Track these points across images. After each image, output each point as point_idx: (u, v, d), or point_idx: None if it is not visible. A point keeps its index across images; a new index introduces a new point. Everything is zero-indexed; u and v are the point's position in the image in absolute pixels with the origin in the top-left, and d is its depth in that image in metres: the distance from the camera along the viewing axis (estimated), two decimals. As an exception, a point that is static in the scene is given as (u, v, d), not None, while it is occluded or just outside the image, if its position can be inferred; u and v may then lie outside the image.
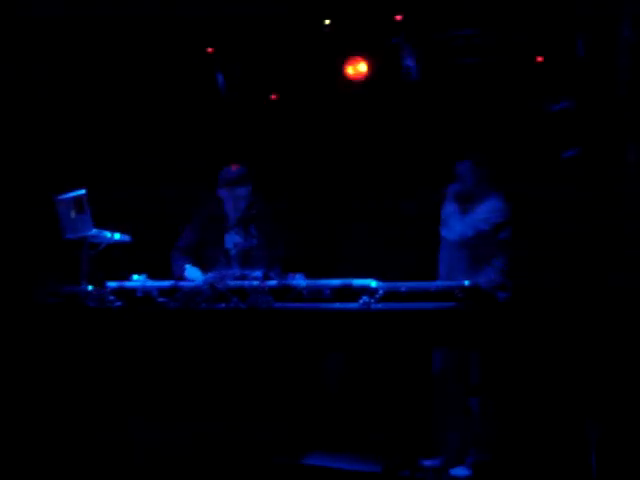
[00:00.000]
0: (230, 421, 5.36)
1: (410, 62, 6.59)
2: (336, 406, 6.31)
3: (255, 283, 5.23)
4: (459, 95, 6.74)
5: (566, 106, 6.35)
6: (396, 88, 6.87)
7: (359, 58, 6.86)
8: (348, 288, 5.04)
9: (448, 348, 5.75)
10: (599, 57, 6.06)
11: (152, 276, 5.53)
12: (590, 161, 6.17)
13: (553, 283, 6.10)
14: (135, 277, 5.52)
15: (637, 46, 5.83)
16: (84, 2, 6.67)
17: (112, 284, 5.45)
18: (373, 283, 5.01)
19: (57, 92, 6.92)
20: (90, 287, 5.47)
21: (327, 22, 6.70)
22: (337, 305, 5.05)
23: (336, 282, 5.08)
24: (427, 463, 5.65)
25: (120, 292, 5.42)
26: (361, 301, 4.99)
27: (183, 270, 5.79)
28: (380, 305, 4.97)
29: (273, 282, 5.23)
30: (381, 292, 4.98)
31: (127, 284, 5.46)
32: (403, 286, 5.02)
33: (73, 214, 5.53)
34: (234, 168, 6.04)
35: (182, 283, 5.46)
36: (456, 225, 5.85)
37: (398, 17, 6.54)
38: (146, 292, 5.39)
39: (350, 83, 6.86)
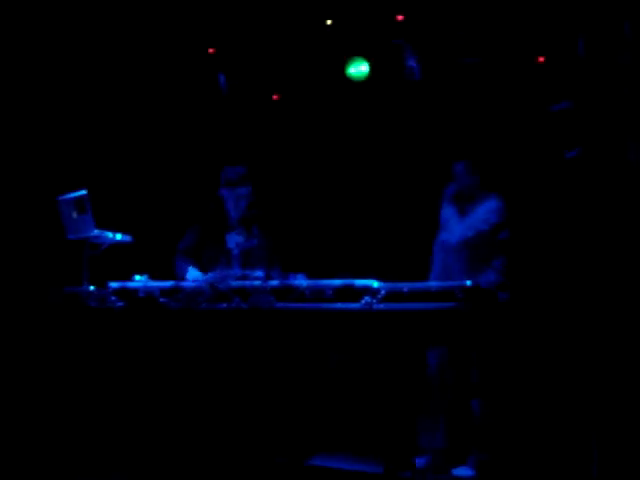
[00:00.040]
0: (232, 421, 5.36)
1: (412, 62, 6.59)
2: (338, 406, 6.31)
3: (257, 283, 5.24)
4: (460, 95, 6.74)
5: (566, 106, 6.35)
6: (398, 88, 6.87)
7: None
8: (350, 288, 5.05)
9: (448, 348, 5.75)
10: (600, 57, 6.05)
11: (154, 276, 5.54)
12: (591, 161, 6.17)
13: (553, 283, 6.10)
14: (137, 277, 5.52)
15: (638, 46, 5.83)
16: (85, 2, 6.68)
17: (114, 284, 5.46)
18: (375, 283, 5.01)
19: (58, 92, 6.91)
20: (92, 287, 5.48)
21: (329, 22, 6.70)
22: (339, 305, 5.06)
23: (338, 282, 5.09)
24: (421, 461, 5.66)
25: (122, 292, 5.43)
26: (363, 301, 4.99)
27: (185, 272, 5.79)
28: (382, 305, 4.97)
29: (275, 282, 5.24)
30: (383, 292, 4.99)
31: (129, 284, 5.47)
32: (405, 286, 5.02)
33: (75, 215, 5.54)
34: (235, 168, 6.06)
35: (184, 283, 5.47)
36: (455, 227, 5.84)
37: (399, 17, 6.54)
38: (148, 292, 5.39)
39: (352, 83, 6.86)
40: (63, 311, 5.51)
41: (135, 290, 5.42)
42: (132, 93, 7.19)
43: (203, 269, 5.80)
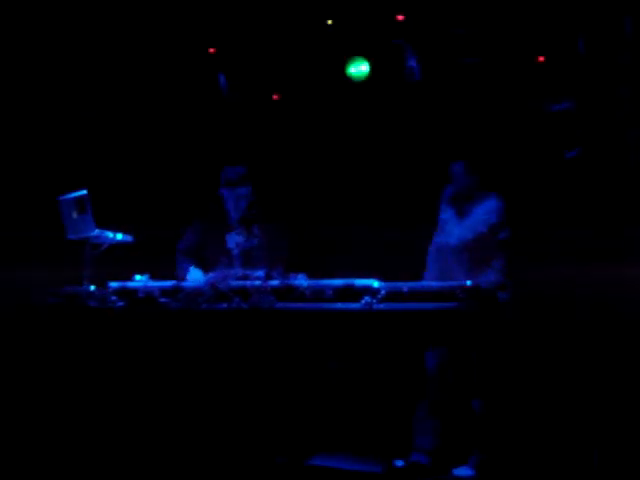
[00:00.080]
0: (232, 421, 5.36)
1: (412, 62, 6.59)
2: (338, 406, 6.31)
3: (257, 283, 5.23)
4: (460, 95, 6.74)
5: (567, 106, 6.35)
6: (398, 88, 6.87)
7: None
8: (350, 288, 5.04)
9: (449, 348, 5.75)
10: (600, 56, 6.06)
11: (154, 276, 5.53)
12: (591, 160, 6.18)
13: (554, 283, 6.10)
14: (137, 277, 5.51)
15: (638, 45, 5.83)
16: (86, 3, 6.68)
17: (114, 284, 5.44)
18: (375, 283, 5.01)
19: (59, 93, 6.91)
20: (92, 287, 5.46)
21: (329, 22, 6.70)
22: (339, 305, 5.06)
23: (338, 282, 5.09)
24: (399, 463, 5.64)
25: (122, 292, 5.41)
26: (363, 301, 4.99)
27: (186, 272, 5.78)
28: (382, 305, 4.97)
29: (275, 282, 5.23)
30: (383, 292, 4.99)
31: (129, 284, 5.46)
32: (405, 286, 5.02)
33: (75, 215, 5.54)
34: (235, 168, 6.06)
35: (184, 283, 5.46)
36: (454, 229, 5.83)
37: (399, 17, 6.54)
38: (148, 292, 5.38)
39: (352, 83, 6.86)
40: (63, 311, 5.50)
41: (135, 290, 5.40)
42: (132, 93, 7.19)
43: (204, 269, 5.79)
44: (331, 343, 5.27)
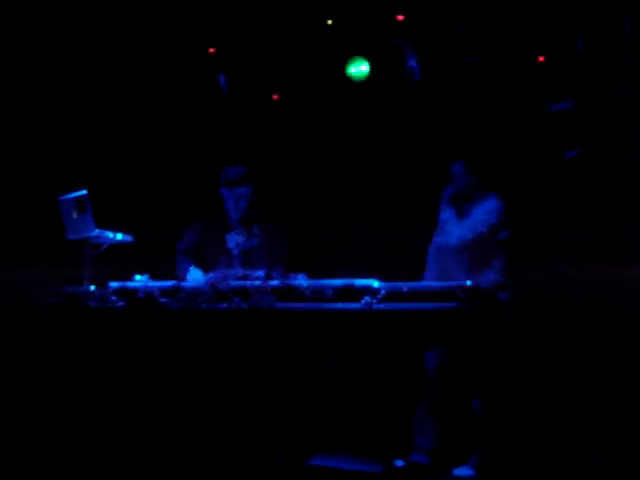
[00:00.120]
0: (232, 421, 5.36)
1: (412, 62, 6.59)
2: (338, 406, 6.31)
3: (257, 283, 5.23)
4: (460, 95, 6.74)
5: (567, 106, 6.35)
6: (398, 88, 6.87)
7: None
8: (350, 288, 5.04)
9: (449, 348, 5.75)
10: (600, 56, 6.06)
11: (154, 276, 5.53)
12: (591, 160, 6.18)
13: (554, 283, 6.10)
14: (137, 277, 5.51)
15: (638, 45, 5.83)
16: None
17: (114, 284, 5.44)
18: (375, 283, 5.01)
19: (59, 93, 6.91)
20: (92, 287, 5.46)
21: (329, 22, 6.70)
22: (339, 305, 5.06)
23: (338, 282, 5.08)
24: (399, 463, 5.64)
25: (122, 292, 5.41)
26: (363, 301, 4.99)
27: (186, 272, 5.78)
28: (382, 305, 4.97)
29: (275, 282, 5.23)
30: (383, 292, 4.99)
31: (129, 284, 5.45)
32: (405, 286, 5.02)
33: (75, 215, 5.53)
34: (235, 168, 6.06)
35: (184, 283, 5.46)
36: (454, 229, 5.83)
37: (399, 17, 6.54)
38: (148, 292, 5.38)
39: (352, 83, 6.86)
40: (63, 311, 5.49)
41: (135, 290, 5.40)
42: (133, 93, 7.19)
43: (204, 269, 5.79)
44: (331, 343, 5.27)
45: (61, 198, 5.64)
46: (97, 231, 5.53)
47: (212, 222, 6.05)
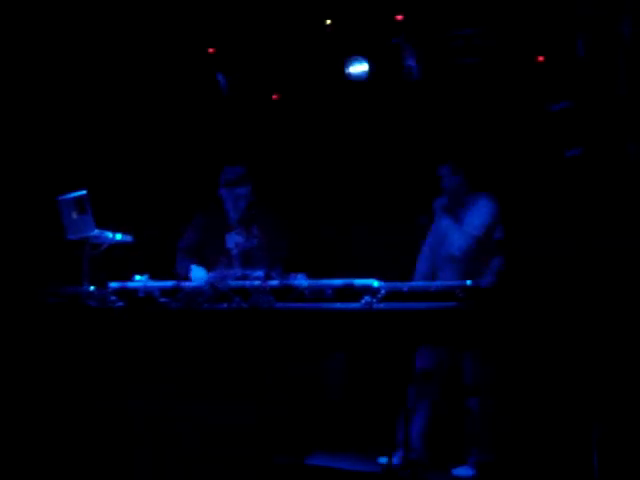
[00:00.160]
0: (231, 421, 5.36)
1: (411, 62, 6.59)
2: (337, 406, 6.31)
3: (257, 283, 5.23)
4: (460, 95, 6.74)
5: (566, 106, 6.35)
6: (397, 88, 6.86)
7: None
8: (350, 288, 5.05)
9: (448, 348, 5.76)
10: (599, 57, 6.05)
11: (154, 276, 5.53)
12: (591, 161, 6.18)
13: (554, 283, 6.10)
14: (137, 277, 5.52)
15: (637, 46, 5.83)
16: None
17: (114, 284, 5.45)
18: (375, 283, 5.01)
19: (59, 93, 6.91)
20: (92, 287, 5.47)
21: (328, 22, 6.70)
22: (339, 305, 5.06)
23: (338, 282, 5.09)
24: (382, 460, 5.64)
25: (122, 292, 5.42)
26: (363, 301, 4.99)
27: (188, 270, 5.79)
28: (382, 305, 4.98)
29: (275, 282, 5.23)
30: (383, 292, 4.99)
31: (129, 284, 5.46)
32: (405, 286, 5.03)
33: (75, 215, 5.54)
34: (235, 168, 6.07)
35: (184, 283, 5.46)
36: (454, 239, 5.85)
37: (399, 17, 6.54)
38: (148, 292, 5.38)
39: (351, 83, 6.86)
40: (63, 311, 5.50)
41: (135, 290, 5.41)
42: (132, 93, 7.19)
43: (205, 269, 5.80)
44: (331, 343, 5.27)
45: (61, 198, 5.64)
46: (97, 231, 5.54)
47: (212, 222, 6.06)
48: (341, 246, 7.03)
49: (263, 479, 5.34)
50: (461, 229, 5.83)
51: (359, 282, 5.04)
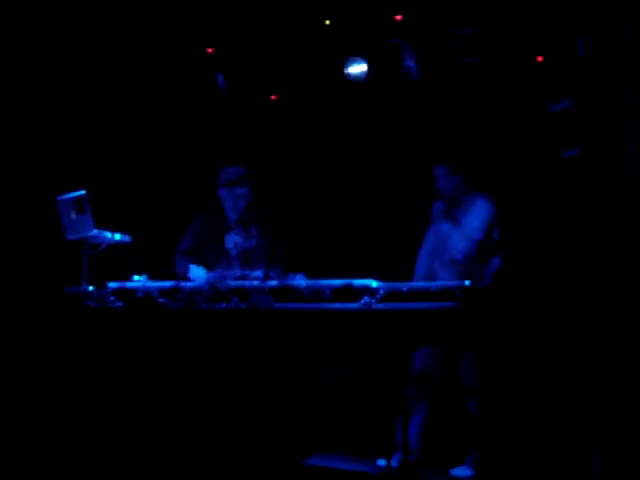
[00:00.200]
0: (230, 421, 5.36)
1: (410, 62, 6.58)
2: (336, 407, 6.31)
3: (256, 283, 5.23)
4: (459, 95, 6.73)
5: (566, 106, 6.34)
6: (396, 88, 6.86)
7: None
8: (349, 288, 5.05)
9: (448, 348, 5.76)
10: (599, 57, 6.05)
11: (153, 276, 5.53)
12: (590, 161, 6.17)
13: (553, 283, 6.10)
14: (136, 277, 5.52)
15: (637, 46, 5.82)
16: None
17: (113, 284, 5.46)
18: (374, 283, 5.01)
19: (58, 92, 6.91)
20: (91, 287, 5.47)
21: (327, 22, 6.69)
22: (338, 305, 5.06)
23: (337, 282, 5.09)
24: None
25: (121, 292, 5.42)
26: (362, 301, 4.99)
27: (187, 270, 5.79)
28: (381, 305, 4.98)
29: (274, 282, 5.23)
30: (382, 292, 4.99)
31: (128, 284, 5.47)
32: (404, 286, 5.03)
33: (74, 215, 5.54)
34: (235, 168, 6.07)
35: (183, 283, 5.46)
36: (455, 242, 5.85)
37: (398, 17, 6.53)
38: (147, 292, 5.39)
39: (350, 83, 6.85)
40: (62, 311, 5.50)
41: (134, 290, 5.41)
42: (131, 93, 7.18)
43: (204, 269, 5.80)
44: (330, 343, 5.27)
45: (60, 198, 5.64)
46: (96, 231, 5.54)
47: (211, 222, 6.06)
48: (340, 246, 7.02)
49: (262, 479, 5.34)
50: (461, 232, 5.83)
51: (358, 282, 5.04)
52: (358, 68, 6.77)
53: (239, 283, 5.27)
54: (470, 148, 6.30)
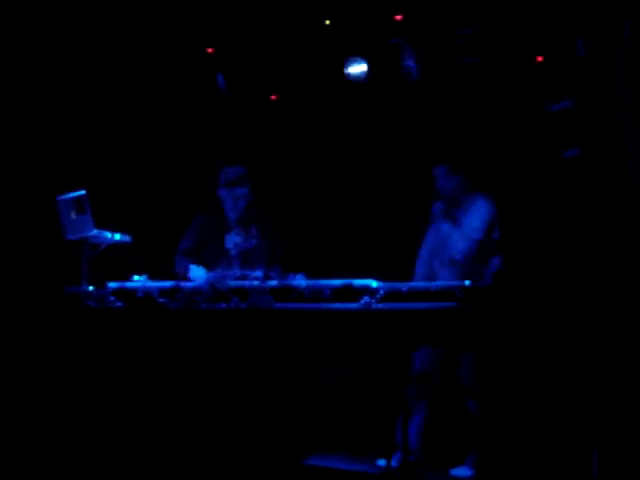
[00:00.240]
0: (230, 421, 5.36)
1: (410, 62, 6.58)
2: (336, 407, 6.31)
3: (255, 283, 5.23)
4: (459, 95, 6.73)
5: (566, 106, 6.35)
6: (396, 88, 6.86)
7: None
8: (349, 288, 5.05)
9: (448, 348, 5.76)
10: (599, 57, 6.05)
11: (153, 276, 5.53)
12: (590, 161, 6.17)
13: (553, 283, 6.10)
14: (136, 277, 5.52)
15: (637, 46, 5.82)
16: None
17: (113, 284, 5.46)
18: (374, 283, 5.01)
19: (58, 92, 6.91)
20: (91, 287, 5.47)
21: (327, 22, 6.69)
22: (338, 305, 5.06)
23: (337, 282, 5.09)
24: (381, 462, 5.64)
25: (121, 292, 5.42)
26: (362, 301, 4.99)
27: (187, 270, 5.79)
28: (381, 305, 4.97)
29: (274, 282, 5.23)
30: (382, 292, 4.99)
31: (128, 284, 5.47)
32: (404, 286, 5.03)
33: (74, 215, 5.54)
34: (235, 168, 6.07)
35: (183, 283, 5.46)
36: (455, 242, 5.85)
37: (398, 17, 6.53)
38: (147, 292, 5.39)
39: (350, 83, 6.85)
40: (62, 311, 5.50)
41: (134, 290, 5.41)
42: (131, 93, 7.18)
43: (204, 269, 5.80)
44: (330, 343, 5.27)
45: (60, 198, 5.64)
46: (95, 231, 5.54)
47: (211, 222, 6.06)
48: (340, 246, 7.02)
49: (261, 478, 5.34)
50: (461, 232, 5.84)
51: (358, 282, 5.04)
52: (358, 68, 6.77)
53: (239, 283, 5.27)
54: (470, 148, 6.30)
